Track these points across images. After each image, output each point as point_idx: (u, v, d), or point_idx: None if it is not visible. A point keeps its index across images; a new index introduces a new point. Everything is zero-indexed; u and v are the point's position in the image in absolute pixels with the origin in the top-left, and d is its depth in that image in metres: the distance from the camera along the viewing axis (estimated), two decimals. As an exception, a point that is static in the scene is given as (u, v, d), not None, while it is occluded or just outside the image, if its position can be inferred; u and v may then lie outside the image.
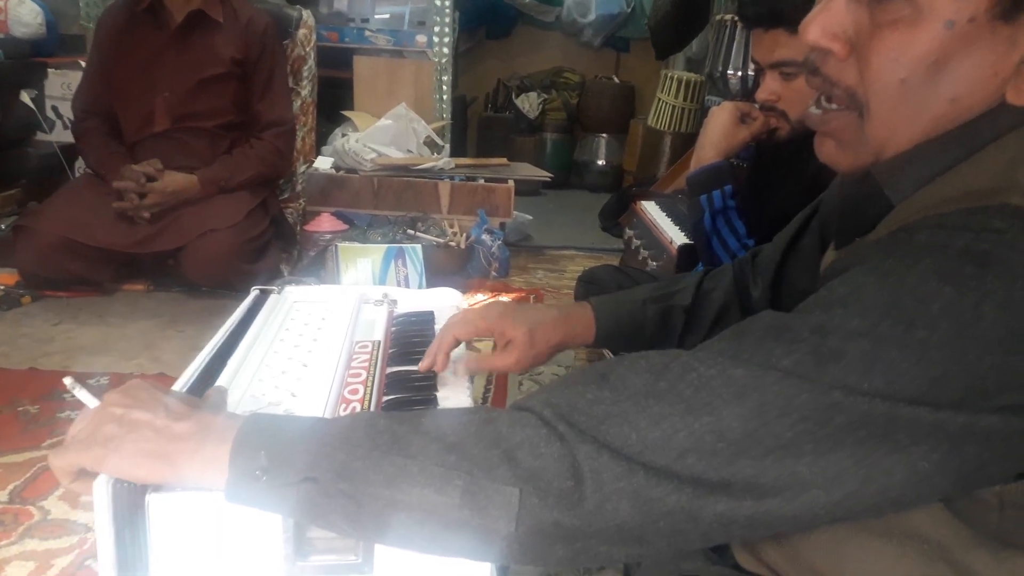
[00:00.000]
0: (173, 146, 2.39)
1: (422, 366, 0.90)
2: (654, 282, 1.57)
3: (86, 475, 0.59)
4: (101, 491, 0.58)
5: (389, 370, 0.91)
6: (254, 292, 1.12)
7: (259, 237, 2.35)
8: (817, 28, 0.57)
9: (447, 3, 3.28)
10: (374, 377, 0.87)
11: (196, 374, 0.83)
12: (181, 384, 0.79)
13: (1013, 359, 0.46)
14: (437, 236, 2.57)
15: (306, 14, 2.91)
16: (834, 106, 0.60)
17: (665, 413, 0.50)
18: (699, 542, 0.52)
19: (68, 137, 2.87)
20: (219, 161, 2.40)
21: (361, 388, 0.84)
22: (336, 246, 2.26)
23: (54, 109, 3.17)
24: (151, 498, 0.59)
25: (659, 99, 3.87)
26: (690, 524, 0.50)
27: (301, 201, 2.82)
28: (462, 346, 0.95)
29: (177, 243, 2.25)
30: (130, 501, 0.60)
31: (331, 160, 2.98)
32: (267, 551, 0.60)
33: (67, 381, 0.66)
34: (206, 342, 0.91)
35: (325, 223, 2.79)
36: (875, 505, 0.50)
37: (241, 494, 0.56)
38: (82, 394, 0.66)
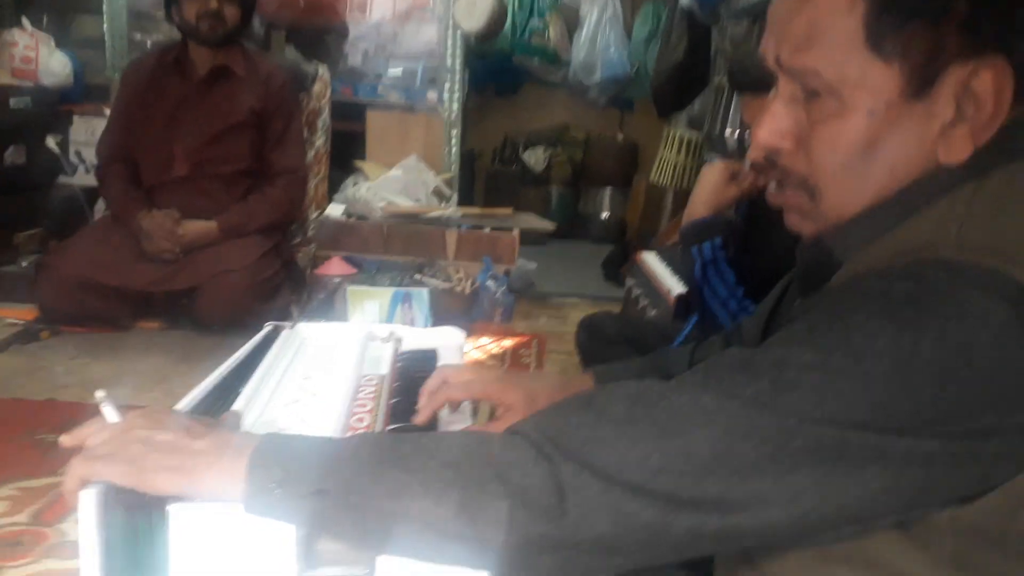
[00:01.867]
0: (191, 190, 2.49)
1: (419, 419, 0.91)
2: (654, 330, 1.64)
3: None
4: (88, 503, 0.61)
5: (392, 401, 0.96)
6: (267, 327, 1.19)
7: (271, 279, 2.43)
8: (765, 132, 0.65)
9: (458, 62, 3.41)
10: (379, 408, 0.93)
11: (200, 397, 0.87)
12: (185, 404, 0.84)
13: (948, 390, 0.51)
14: (443, 281, 2.65)
15: (322, 69, 3.05)
16: (787, 191, 0.68)
17: (641, 436, 0.56)
18: (671, 554, 0.57)
19: (90, 181, 2.97)
20: (236, 207, 2.50)
21: (367, 417, 0.90)
22: (346, 288, 2.34)
23: (77, 154, 3.28)
24: (172, 509, 0.63)
25: (662, 156, 3.99)
26: (662, 536, 0.55)
27: (312, 246, 2.91)
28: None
29: (192, 283, 2.34)
30: (125, 513, 0.64)
31: (343, 207, 3.07)
32: (279, 562, 0.64)
33: (99, 395, 0.72)
34: None
35: (335, 267, 2.86)
36: (832, 522, 0.55)
37: (258, 505, 0.61)
38: (108, 410, 0.72)
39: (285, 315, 2.45)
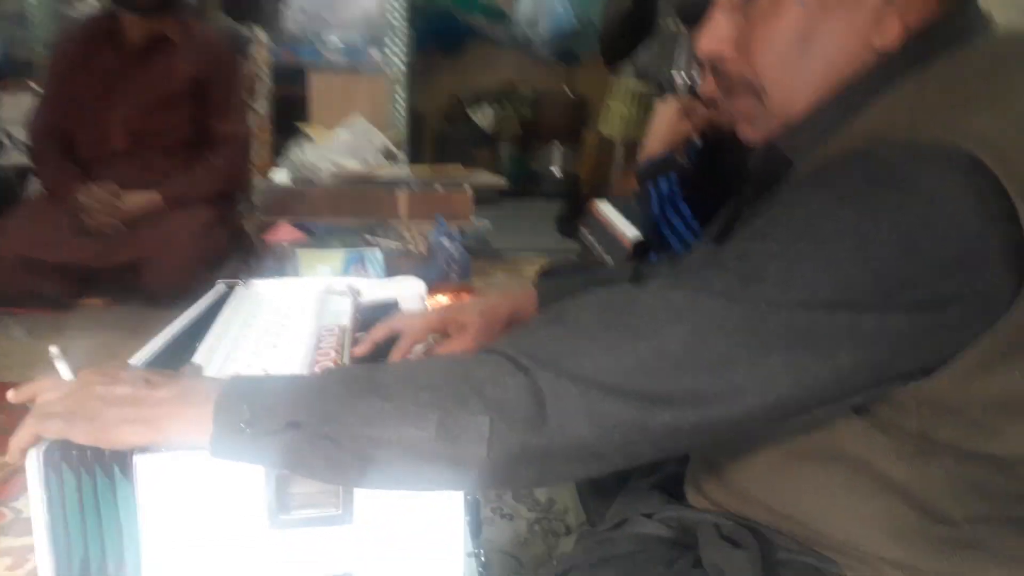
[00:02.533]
0: (131, 163, 2.41)
1: (359, 351, 0.92)
2: (613, 276, 1.64)
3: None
4: (35, 462, 0.59)
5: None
6: (219, 285, 1.15)
7: (219, 248, 2.38)
8: (706, 39, 0.69)
9: (401, 19, 3.33)
10: (343, 357, 0.91)
11: (154, 353, 0.84)
12: (137, 360, 0.81)
13: (909, 262, 0.52)
14: (396, 241, 2.61)
15: (260, 33, 2.95)
16: (735, 99, 0.70)
17: (614, 340, 0.56)
18: (650, 452, 0.58)
19: (21, 160, 2.85)
20: (179, 177, 2.43)
21: (331, 365, 0.88)
22: (296, 252, 2.29)
23: (6, 132, 3.15)
24: (139, 459, 0.61)
25: (608, 105, 3.97)
26: (641, 434, 0.55)
27: (258, 213, 2.84)
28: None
29: (136, 255, 2.27)
30: (76, 469, 0.62)
31: (287, 173, 3.00)
32: (251, 506, 0.63)
33: (52, 350, 0.69)
34: None
35: (283, 233, 2.81)
36: (804, 405, 0.56)
37: (226, 448, 0.59)
38: (62, 366, 0.68)
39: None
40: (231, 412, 0.59)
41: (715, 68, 0.70)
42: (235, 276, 2.44)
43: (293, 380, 0.64)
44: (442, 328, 0.98)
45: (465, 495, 0.66)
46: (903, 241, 0.52)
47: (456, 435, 0.56)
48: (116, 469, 0.66)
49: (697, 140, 1.52)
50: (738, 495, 0.69)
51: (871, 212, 0.53)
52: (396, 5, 3.34)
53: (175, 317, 0.97)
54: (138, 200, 2.34)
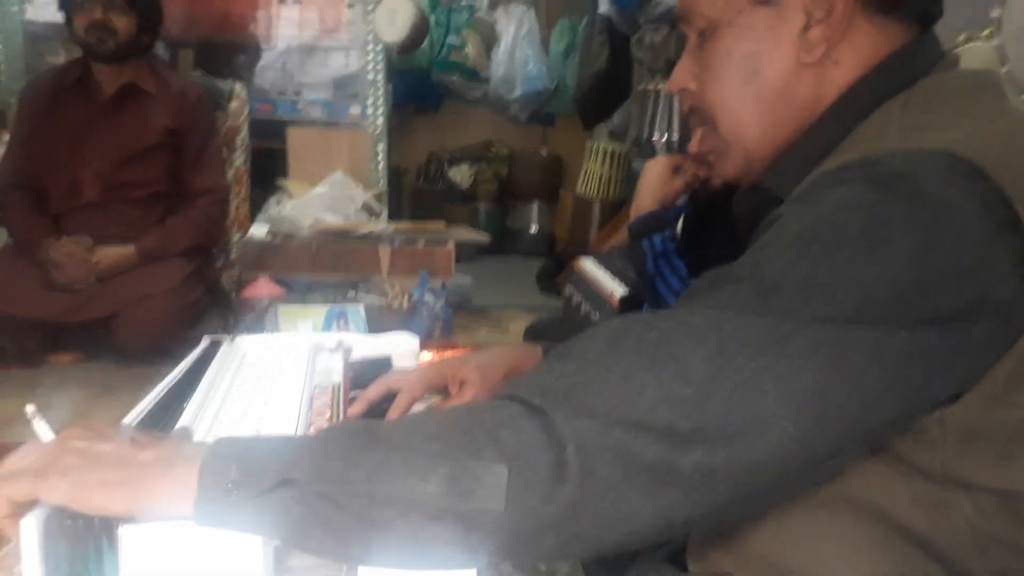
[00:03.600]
0: (104, 216, 2.36)
1: (353, 411, 0.88)
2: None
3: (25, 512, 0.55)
4: (31, 529, 0.54)
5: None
6: (205, 341, 1.11)
7: (195, 303, 2.31)
8: (674, 77, 0.74)
9: (380, 75, 3.36)
10: (338, 417, 0.87)
11: (143, 415, 0.81)
12: (128, 422, 0.77)
13: (926, 273, 0.51)
14: (379, 297, 2.57)
15: (238, 86, 2.94)
16: (703, 137, 0.75)
17: (631, 369, 0.52)
18: (683, 503, 0.52)
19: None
20: (154, 230, 2.37)
21: (326, 426, 0.84)
22: (276, 309, 2.23)
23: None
24: (123, 531, 0.56)
25: (586, 169, 4.02)
26: (672, 477, 0.51)
27: (236, 268, 2.79)
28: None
29: (109, 310, 2.19)
30: (70, 539, 0.57)
31: (266, 227, 2.96)
32: (246, 581, 0.58)
33: (29, 409, 0.64)
34: None
35: (262, 288, 2.75)
36: (838, 435, 0.53)
37: (211, 514, 0.54)
38: (40, 426, 0.63)
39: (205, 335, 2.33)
40: (217, 474, 0.54)
41: (688, 108, 0.75)
42: (213, 332, 2.38)
43: (287, 438, 0.60)
44: (440, 384, 0.94)
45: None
46: (916, 251, 0.51)
47: (469, 488, 0.50)
48: (104, 540, 0.61)
49: (686, 197, 1.52)
50: (746, 558, 0.65)
51: (881, 218, 0.52)
52: (376, 62, 3.36)
53: (150, 374, 0.93)
54: (111, 254, 2.28)
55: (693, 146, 1.42)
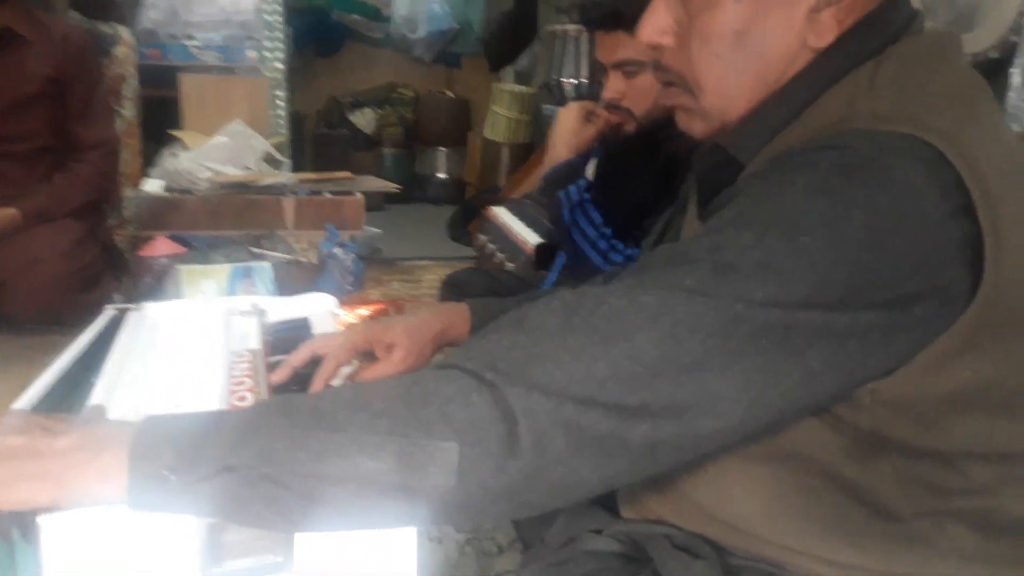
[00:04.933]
0: (-18, 174, 2.18)
1: (277, 377, 0.87)
2: (520, 282, 1.63)
3: None
4: None
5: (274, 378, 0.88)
6: (109, 310, 1.05)
7: (90, 265, 2.19)
8: (647, 29, 0.68)
9: (277, 16, 3.19)
10: (260, 384, 0.85)
11: (42, 393, 0.77)
12: (24, 403, 0.73)
13: (880, 257, 0.53)
14: (285, 252, 2.50)
15: (123, 31, 2.76)
16: (672, 91, 0.70)
17: (583, 346, 0.53)
18: (629, 471, 0.55)
19: None
20: (41, 189, 2.22)
21: (249, 395, 0.81)
22: (178, 269, 2.14)
23: None
24: (42, 520, 0.54)
25: (493, 111, 3.98)
26: (620, 449, 0.53)
27: (130, 226, 2.65)
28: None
29: (-4, 277, 2.05)
30: None
31: (161, 182, 2.81)
32: (179, 561, 0.57)
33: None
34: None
35: (160, 247, 2.62)
36: (778, 409, 0.55)
37: (147, 500, 0.53)
38: None
39: (107, 304, 2.22)
40: (150, 458, 0.53)
41: (656, 62, 0.69)
42: (108, 296, 2.27)
43: (220, 416, 0.58)
44: (367, 348, 0.92)
45: (419, 530, 0.62)
46: (874, 236, 0.52)
47: (420, 464, 0.51)
48: (15, 533, 0.58)
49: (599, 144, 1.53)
50: (679, 504, 0.68)
51: (844, 205, 0.53)
52: (272, 2, 3.19)
53: (44, 345, 0.88)
54: (-10, 218, 2.11)
55: (608, 92, 1.42)
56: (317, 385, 0.86)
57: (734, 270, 0.53)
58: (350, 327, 0.96)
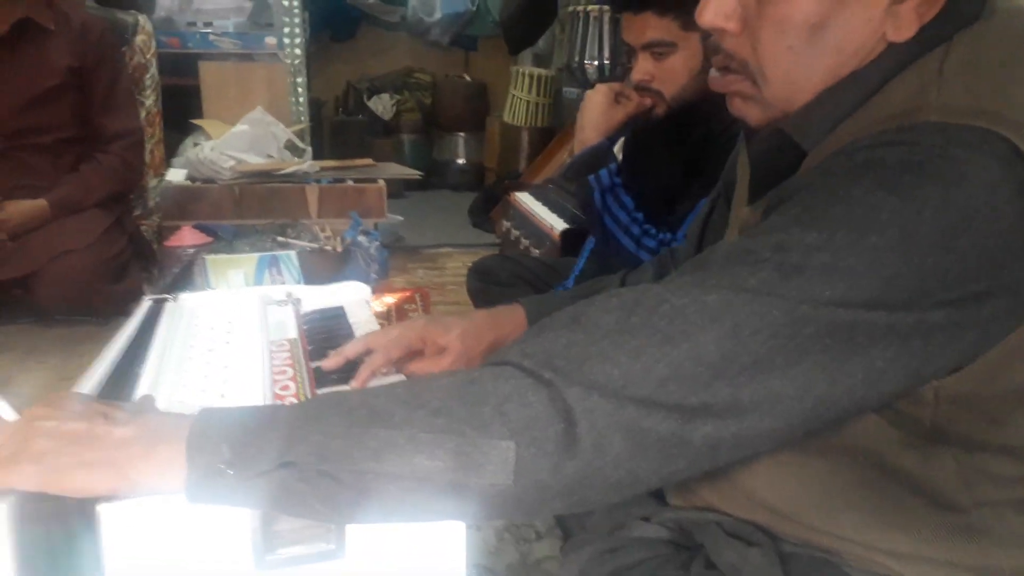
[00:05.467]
0: (9, 166, 2.19)
1: (328, 364, 0.87)
2: (547, 268, 1.62)
3: None
4: (1, 518, 0.52)
5: (313, 364, 0.89)
6: (147, 302, 1.06)
7: (118, 256, 2.20)
8: (710, 11, 0.63)
9: (295, 2, 3.19)
10: (302, 373, 0.85)
11: (99, 385, 0.77)
12: (83, 390, 0.73)
13: (950, 257, 0.51)
14: (310, 241, 2.51)
15: (143, 19, 2.75)
16: (730, 77, 0.66)
17: (643, 346, 0.52)
18: (688, 470, 0.54)
19: None
20: (67, 181, 2.23)
21: (292, 384, 0.82)
22: (204, 259, 2.15)
23: None
24: (102, 509, 0.55)
25: (512, 95, 3.96)
26: (680, 450, 0.52)
27: (155, 216, 2.66)
28: None
29: (27, 269, 2.06)
30: (45, 522, 0.56)
31: (184, 171, 2.83)
32: (233, 549, 0.57)
33: (-15, 386, 0.60)
34: (75, 371, 0.85)
35: (187, 237, 2.65)
36: (842, 408, 0.54)
37: (205, 492, 0.53)
38: (2, 406, 0.60)
39: (137, 295, 2.24)
40: (207, 452, 0.53)
41: (716, 45, 0.66)
42: (138, 286, 2.28)
43: (274, 411, 0.58)
44: (418, 347, 0.91)
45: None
46: (944, 235, 0.51)
47: (478, 463, 0.51)
48: (77, 520, 0.59)
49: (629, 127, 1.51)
50: (731, 493, 0.68)
51: (914, 202, 0.51)
52: (290, -12, 3.19)
53: (76, 335, 0.89)
54: (22, 209, 2.13)
55: (637, 74, 1.40)
56: (362, 376, 0.85)
57: (800, 271, 0.52)
58: (408, 323, 0.94)
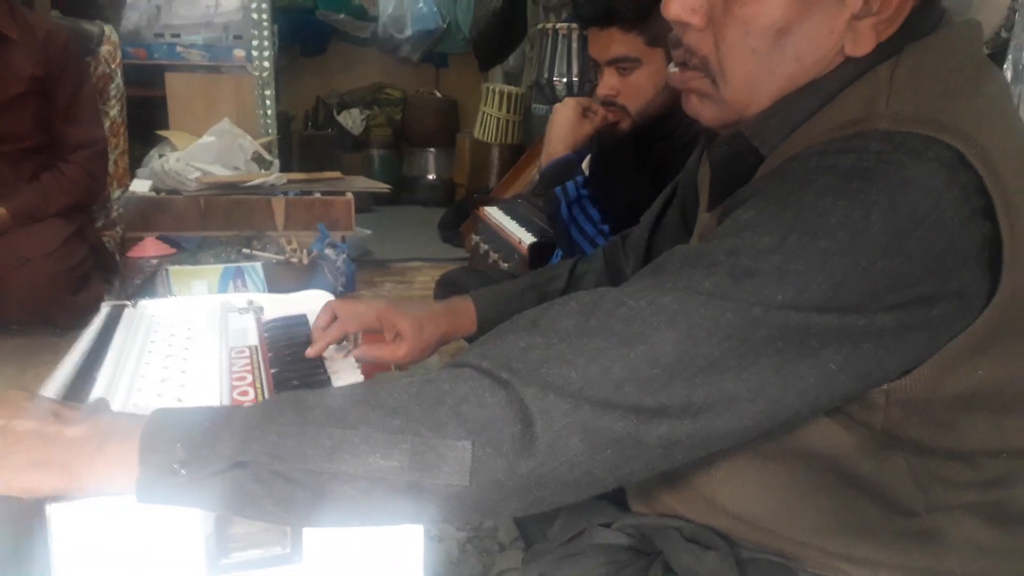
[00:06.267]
0: (-32, 174, 2.15)
1: (311, 352, 0.90)
2: (523, 276, 1.63)
3: None
4: None
5: (272, 371, 0.88)
6: (106, 307, 1.05)
7: (79, 265, 2.17)
8: (676, 4, 0.63)
9: (265, 15, 3.17)
10: (260, 378, 0.84)
11: (63, 391, 0.76)
12: (47, 393, 0.72)
13: (898, 260, 0.52)
14: (276, 253, 2.48)
15: (108, 29, 2.73)
16: (688, 73, 0.67)
17: (600, 348, 0.53)
18: (643, 470, 0.55)
19: None
20: (28, 189, 2.19)
21: (251, 390, 0.81)
22: (167, 270, 2.12)
23: None
24: (52, 509, 0.54)
25: (483, 112, 3.98)
26: (636, 450, 0.53)
27: (119, 227, 2.62)
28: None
29: (-16, 277, 2.02)
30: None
31: (149, 183, 2.79)
32: (185, 552, 0.56)
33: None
34: (31, 382, 0.84)
35: (149, 248, 2.61)
36: (795, 410, 0.55)
37: (156, 493, 0.52)
38: None
39: (98, 306, 2.19)
40: (160, 452, 0.53)
41: (676, 39, 0.66)
42: (98, 297, 2.24)
43: (230, 411, 0.58)
44: (377, 327, 0.94)
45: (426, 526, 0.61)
46: (892, 239, 0.52)
47: (433, 464, 0.51)
48: (22, 522, 0.57)
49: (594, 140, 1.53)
50: (692, 499, 0.68)
51: (863, 207, 0.52)
52: (259, 1, 3.17)
53: (34, 346, 0.87)
54: (-22, 216, 2.09)
55: (602, 89, 1.42)
56: (318, 345, 0.88)
57: (752, 274, 0.53)
58: (371, 302, 0.98)
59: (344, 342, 0.95)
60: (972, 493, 0.61)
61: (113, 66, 2.74)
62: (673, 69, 0.69)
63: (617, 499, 0.76)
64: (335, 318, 0.93)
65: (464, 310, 0.99)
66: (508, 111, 3.90)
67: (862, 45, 0.60)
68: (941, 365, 0.56)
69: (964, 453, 0.60)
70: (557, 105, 1.49)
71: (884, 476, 0.61)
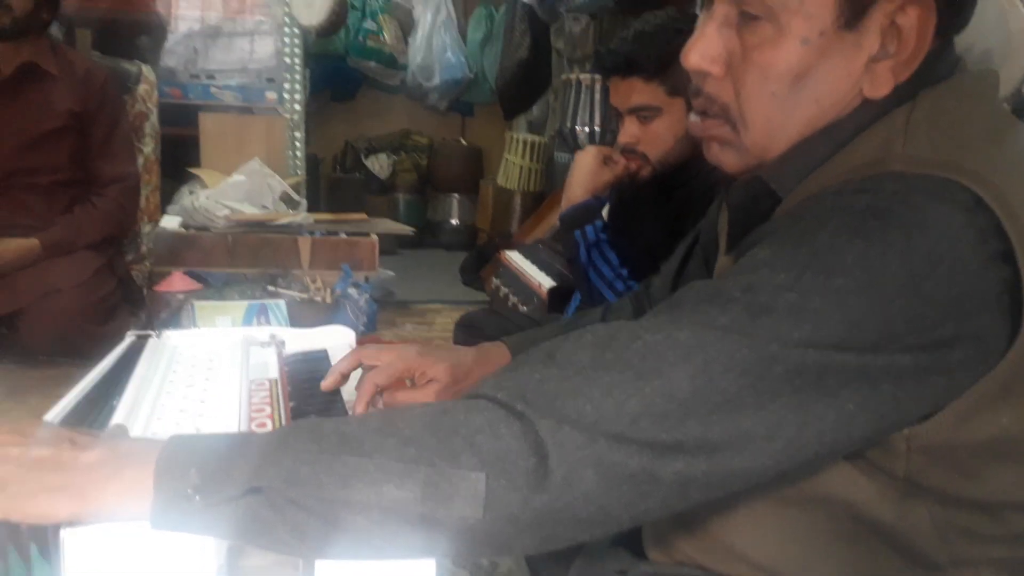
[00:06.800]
0: (5, 205, 2.21)
1: (327, 384, 0.89)
2: (533, 325, 1.64)
3: None
4: None
5: (291, 404, 0.89)
6: (130, 336, 1.06)
7: (108, 297, 2.21)
8: (696, 54, 0.64)
9: (297, 60, 3.27)
10: (278, 411, 0.85)
11: (67, 411, 0.77)
12: (52, 418, 0.73)
13: (916, 301, 0.52)
14: (300, 291, 2.51)
15: (146, 69, 2.82)
16: (708, 121, 0.68)
17: (616, 382, 0.53)
18: (659, 509, 0.54)
19: None
20: (61, 221, 2.25)
21: (269, 422, 0.82)
22: (193, 304, 2.15)
23: None
24: (66, 534, 0.54)
25: (507, 159, 4.04)
26: (652, 487, 0.52)
27: (147, 262, 2.68)
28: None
29: (14, 306, 2.06)
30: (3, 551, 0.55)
31: (179, 219, 2.85)
32: (198, 581, 0.57)
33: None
34: None
35: (176, 283, 2.64)
36: (813, 451, 0.54)
37: (170, 519, 0.52)
38: None
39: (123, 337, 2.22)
40: (175, 477, 0.53)
41: (696, 88, 0.67)
42: (126, 329, 2.27)
43: (246, 438, 0.58)
44: (408, 375, 0.92)
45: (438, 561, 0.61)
46: (909, 279, 0.52)
47: (446, 495, 0.50)
48: (33, 548, 0.58)
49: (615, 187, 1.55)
50: (711, 547, 0.66)
51: (880, 246, 0.52)
52: (293, 46, 3.27)
53: (60, 376, 0.88)
54: (14, 246, 2.14)
55: (623, 137, 1.45)
56: (359, 409, 0.85)
57: (768, 311, 0.52)
58: (401, 350, 0.94)
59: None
60: (998, 548, 0.60)
61: (149, 104, 2.82)
62: (694, 118, 0.70)
63: (633, 546, 0.75)
64: (358, 364, 0.90)
65: (498, 356, 0.98)
66: (531, 159, 3.96)
67: (880, 87, 0.61)
68: (962, 411, 0.55)
69: (990, 505, 0.59)
70: (579, 152, 1.51)
71: (906, 526, 0.59)
